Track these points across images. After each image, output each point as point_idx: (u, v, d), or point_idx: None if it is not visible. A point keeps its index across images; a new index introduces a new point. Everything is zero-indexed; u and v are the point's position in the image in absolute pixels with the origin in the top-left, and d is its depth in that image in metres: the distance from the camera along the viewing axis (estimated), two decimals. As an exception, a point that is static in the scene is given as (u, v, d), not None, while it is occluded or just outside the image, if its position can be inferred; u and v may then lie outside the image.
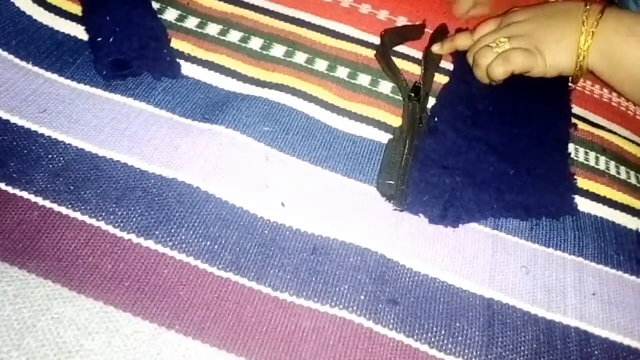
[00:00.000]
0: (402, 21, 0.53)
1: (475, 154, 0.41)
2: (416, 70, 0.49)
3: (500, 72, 0.44)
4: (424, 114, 0.43)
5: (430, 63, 0.48)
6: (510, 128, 0.44)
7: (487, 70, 0.45)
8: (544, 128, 0.45)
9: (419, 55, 0.50)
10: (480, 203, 0.39)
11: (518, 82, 0.46)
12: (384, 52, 0.47)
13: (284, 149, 0.40)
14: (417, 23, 0.52)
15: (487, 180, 0.40)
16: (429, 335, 0.33)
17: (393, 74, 0.46)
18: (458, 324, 0.33)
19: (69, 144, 0.36)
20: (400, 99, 0.46)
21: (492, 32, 0.48)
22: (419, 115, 0.42)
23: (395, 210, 0.38)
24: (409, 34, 0.51)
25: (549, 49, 0.45)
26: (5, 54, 0.41)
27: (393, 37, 0.49)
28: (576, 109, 0.49)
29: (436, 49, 0.49)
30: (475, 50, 0.47)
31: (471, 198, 0.39)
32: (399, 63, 0.49)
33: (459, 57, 0.50)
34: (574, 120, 0.47)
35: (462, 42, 0.50)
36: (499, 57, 0.45)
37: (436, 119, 0.43)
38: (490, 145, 0.42)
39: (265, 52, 0.46)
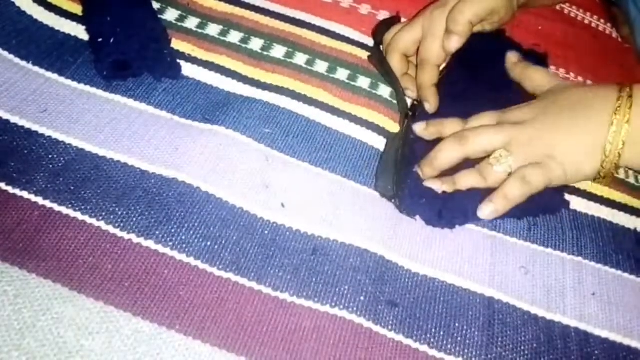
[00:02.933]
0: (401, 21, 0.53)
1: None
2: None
3: (517, 195, 0.37)
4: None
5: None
6: None
7: (500, 193, 0.38)
8: None
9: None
10: (474, 205, 0.38)
11: (508, 82, 0.45)
12: (381, 57, 0.46)
13: (284, 150, 0.40)
14: (392, 16, 0.51)
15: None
16: (429, 335, 0.33)
17: (392, 84, 0.45)
18: (457, 324, 0.33)
19: (69, 144, 0.36)
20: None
21: (489, 130, 0.39)
22: (412, 135, 0.42)
23: (397, 209, 0.38)
24: (391, 26, 0.50)
25: (568, 155, 0.37)
26: (6, 53, 0.41)
27: (382, 35, 0.48)
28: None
29: (419, 129, 0.41)
30: (474, 148, 0.39)
31: (464, 201, 0.38)
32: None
33: (457, 56, 0.48)
34: None
35: (451, 130, 0.41)
36: (515, 178, 0.37)
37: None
38: None
39: (265, 53, 0.46)
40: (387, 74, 0.46)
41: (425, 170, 0.39)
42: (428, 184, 0.38)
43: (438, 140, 0.41)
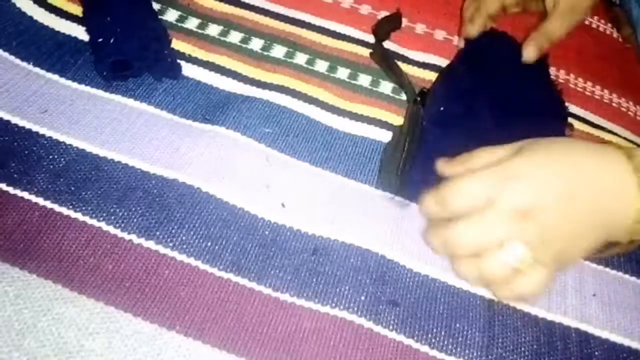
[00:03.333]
0: (402, 21, 0.53)
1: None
2: (415, 72, 0.49)
3: (539, 296, 0.32)
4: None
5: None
6: (507, 125, 0.43)
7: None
8: (539, 127, 0.44)
9: (418, 57, 0.50)
10: None
11: (514, 80, 0.46)
12: (383, 53, 0.47)
13: (284, 150, 0.40)
14: (392, 13, 0.52)
15: None
16: (429, 335, 0.33)
17: (396, 75, 0.45)
18: (458, 325, 0.33)
19: (69, 145, 0.36)
20: (401, 98, 0.46)
21: (478, 218, 0.31)
22: (421, 120, 0.42)
23: (399, 201, 0.38)
24: (391, 23, 0.50)
25: (583, 249, 0.32)
26: (6, 54, 0.41)
27: (383, 31, 0.49)
28: (577, 110, 0.49)
29: (441, 168, 0.36)
30: (481, 240, 0.31)
31: None
32: (402, 66, 0.49)
33: (465, 50, 0.49)
34: (571, 120, 0.47)
35: (456, 171, 0.35)
36: (539, 287, 0.31)
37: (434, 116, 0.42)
38: (485, 143, 0.41)
39: (265, 53, 0.46)
40: (390, 68, 0.46)
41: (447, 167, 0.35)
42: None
43: (452, 132, 0.40)
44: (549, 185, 0.31)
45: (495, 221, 0.30)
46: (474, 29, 0.49)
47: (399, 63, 0.48)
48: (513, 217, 0.30)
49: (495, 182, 0.31)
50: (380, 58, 0.47)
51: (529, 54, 0.46)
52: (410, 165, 0.39)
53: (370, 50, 0.48)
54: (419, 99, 0.43)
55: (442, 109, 0.43)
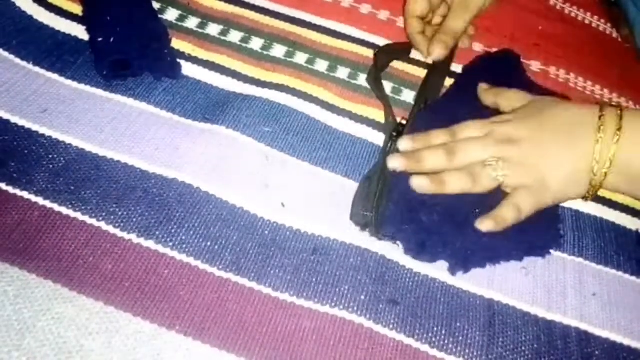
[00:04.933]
0: (402, 21, 0.53)
1: None
2: (416, 71, 0.49)
3: (511, 221, 0.37)
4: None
5: (421, 97, 0.45)
6: None
7: (493, 216, 0.36)
8: None
9: (419, 56, 0.50)
10: (457, 243, 0.36)
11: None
12: (377, 75, 0.45)
13: (284, 149, 0.40)
14: (403, 41, 0.50)
15: (467, 219, 0.36)
16: (430, 335, 0.33)
17: (383, 103, 0.44)
18: (458, 324, 0.33)
19: (69, 144, 0.36)
20: (401, 99, 0.46)
21: (478, 144, 0.39)
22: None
23: (372, 236, 0.36)
24: (398, 52, 0.49)
25: (555, 180, 0.38)
26: (6, 53, 0.41)
27: (385, 56, 0.48)
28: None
29: (404, 145, 0.39)
30: (463, 161, 0.38)
31: (448, 240, 0.36)
32: (402, 65, 0.49)
33: (459, 81, 0.48)
34: None
35: (438, 141, 0.40)
36: (509, 204, 0.37)
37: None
38: None
39: (265, 52, 0.46)
40: (381, 96, 0.44)
41: (410, 164, 0.38)
42: (415, 181, 0.37)
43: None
44: (527, 124, 0.40)
45: (489, 142, 0.39)
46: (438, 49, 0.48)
47: (402, 64, 0.48)
48: (501, 141, 0.39)
49: (491, 127, 0.40)
50: (374, 82, 0.45)
51: (436, 53, 0.47)
52: (386, 206, 0.36)
53: (366, 75, 0.46)
54: (394, 134, 0.41)
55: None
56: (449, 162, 0.38)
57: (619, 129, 0.37)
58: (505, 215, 0.37)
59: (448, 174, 0.38)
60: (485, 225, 0.36)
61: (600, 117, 0.37)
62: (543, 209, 0.38)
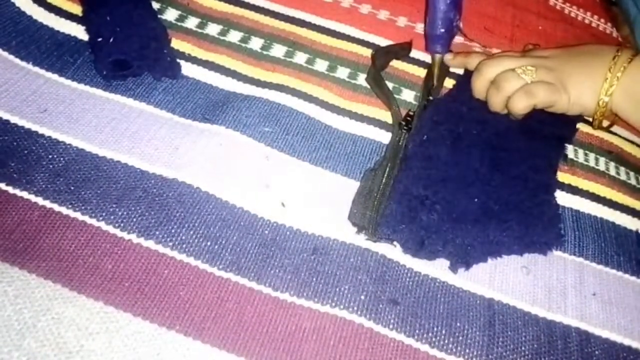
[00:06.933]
0: (402, 21, 0.53)
1: (455, 184, 0.39)
2: (416, 71, 0.49)
3: (522, 106, 0.42)
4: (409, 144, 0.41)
5: (425, 90, 0.46)
6: (494, 153, 0.42)
7: (507, 100, 0.43)
8: (531, 152, 0.43)
9: (419, 55, 0.50)
10: (457, 239, 0.36)
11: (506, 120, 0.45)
12: (375, 74, 0.45)
13: (284, 149, 0.40)
14: (404, 41, 0.50)
15: (467, 216, 0.37)
16: (430, 335, 0.33)
17: (386, 97, 0.44)
18: (458, 324, 0.33)
19: (69, 144, 0.36)
20: (401, 97, 0.46)
21: (516, 57, 0.46)
22: (405, 144, 0.40)
23: (368, 240, 0.36)
24: (397, 52, 0.49)
25: (574, 86, 0.44)
26: (6, 54, 0.41)
27: (383, 57, 0.47)
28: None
29: (448, 57, 0.48)
30: (497, 71, 0.44)
31: (448, 238, 0.36)
32: (402, 65, 0.49)
33: (461, 81, 0.48)
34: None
35: (475, 61, 0.47)
36: (521, 90, 0.43)
37: (418, 142, 0.41)
38: (472, 174, 0.40)
39: (265, 52, 0.46)
40: (382, 93, 0.44)
41: (457, 58, 0.48)
42: (447, 57, 0.48)
43: (423, 171, 0.39)
44: (556, 51, 0.47)
45: (522, 60, 0.45)
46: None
47: (403, 63, 0.48)
48: (535, 59, 0.46)
49: (536, 63, 0.46)
50: (373, 81, 0.45)
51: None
52: (384, 208, 0.37)
53: (365, 75, 0.46)
54: (403, 123, 0.41)
55: (425, 137, 0.41)
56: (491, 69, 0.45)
57: (630, 62, 0.44)
58: (518, 93, 0.42)
59: (482, 64, 0.46)
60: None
61: (617, 50, 0.45)
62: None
